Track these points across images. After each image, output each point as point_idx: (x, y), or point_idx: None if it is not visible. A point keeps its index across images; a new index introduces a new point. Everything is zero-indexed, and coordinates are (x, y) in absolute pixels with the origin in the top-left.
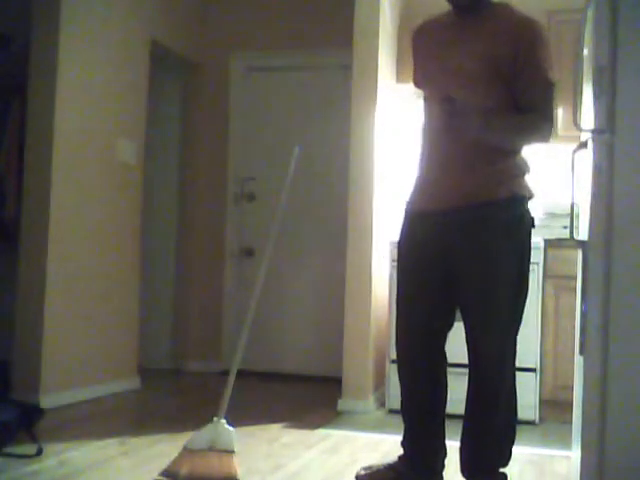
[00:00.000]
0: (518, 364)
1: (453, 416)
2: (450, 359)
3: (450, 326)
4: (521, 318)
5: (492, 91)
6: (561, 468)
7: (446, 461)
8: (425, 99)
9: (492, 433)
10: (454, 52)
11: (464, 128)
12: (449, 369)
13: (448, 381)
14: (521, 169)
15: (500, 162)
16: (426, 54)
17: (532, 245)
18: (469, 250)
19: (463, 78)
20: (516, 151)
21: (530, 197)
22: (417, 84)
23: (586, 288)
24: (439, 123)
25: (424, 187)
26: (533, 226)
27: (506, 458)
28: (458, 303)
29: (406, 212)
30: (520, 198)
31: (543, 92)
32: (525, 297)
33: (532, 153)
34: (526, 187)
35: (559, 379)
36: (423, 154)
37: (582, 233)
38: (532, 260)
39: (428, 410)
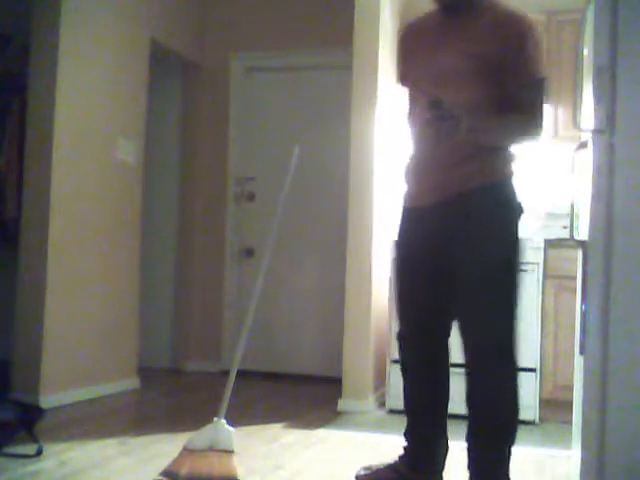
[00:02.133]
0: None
1: (453, 416)
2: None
3: (451, 320)
4: (517, 302)
5: (481, 90)
6: (561, 468)
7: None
8: (410, 97)
9: (499, 437)
10: (442, 53)
11: (451, 131)
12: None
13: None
14: (508, 160)
15: (486, 157)
16: (413, 55)
17: (532, 245)
18: (458, 241)
19: (451, 78)
20: (504, 148)
21: (514, 179)
22: (402, 82)
23: (586, 288)
24: (426, 124)
25: (413, 184)
26: (522, 211)
27: (509, 461)
28: (456, 294)
29: (402, 210)
30: (500, 183)
31: (533, 90)
32: (518, 276)
33: (532, 153)
34: (512, 172)
35: (559, 379)
36: (411, 151)
37: (582, 233)
38: (532, 260)
39: (432, 407)
